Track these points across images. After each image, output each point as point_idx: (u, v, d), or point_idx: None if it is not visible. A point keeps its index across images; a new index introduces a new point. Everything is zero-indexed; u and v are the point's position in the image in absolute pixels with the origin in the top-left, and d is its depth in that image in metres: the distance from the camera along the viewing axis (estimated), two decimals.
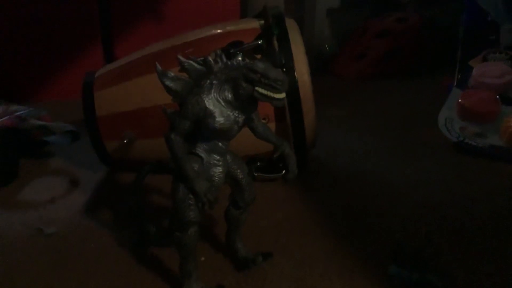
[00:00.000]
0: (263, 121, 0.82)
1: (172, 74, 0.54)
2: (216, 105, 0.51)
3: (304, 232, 0.71)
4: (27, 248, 0.70)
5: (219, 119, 0.51)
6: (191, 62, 0.53)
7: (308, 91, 0.82)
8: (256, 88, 0.50)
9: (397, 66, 1.61)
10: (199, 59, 0.55)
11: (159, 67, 0.55)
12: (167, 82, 0.54)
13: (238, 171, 0.58)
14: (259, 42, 0.82)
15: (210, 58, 0.53)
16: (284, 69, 0.80)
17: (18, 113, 0.97)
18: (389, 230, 0.71)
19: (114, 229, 0.74)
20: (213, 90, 0.51)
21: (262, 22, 0.87)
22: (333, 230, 0.72)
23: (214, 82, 0.52)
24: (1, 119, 0.92)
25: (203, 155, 0.53)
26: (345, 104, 1.37)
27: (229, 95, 0.51)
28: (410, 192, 0.83)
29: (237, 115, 0.52)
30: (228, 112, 0.51)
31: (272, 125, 0.83)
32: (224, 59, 0.53)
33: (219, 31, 0.91)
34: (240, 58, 0.53)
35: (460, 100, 1.04)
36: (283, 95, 0.50)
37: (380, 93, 1.46)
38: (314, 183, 0.88)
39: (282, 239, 0.70)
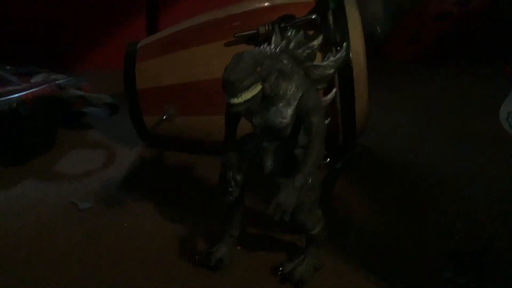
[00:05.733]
0: None
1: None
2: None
3: (350, 226, 0.66)
4: (60, 221, 0.70)
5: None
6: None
7: (362, 73, 0.75)
8: None
9: (455, 51, 1.50)
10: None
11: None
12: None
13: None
14: (313, 17, 0.76)
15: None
16: (338, 48, 0.73)
17: (58, 81, 0.94)
18: (445, 228, 0.64)
19: (148, 207, 0.71)
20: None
21: None
22: (382, 226, 0.66)
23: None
24: (41, 87, 0.89)
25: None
26: (397, 89, 1.28)
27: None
28: (467, 187, 0.76)
29: None
30: None
31: None
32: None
33: (267, 3, 0.85)
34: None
35: None
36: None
37: (434, 79, 1.37)
38: (362, 173, 0.81)
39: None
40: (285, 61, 0.47)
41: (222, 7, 0.89)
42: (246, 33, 0.77)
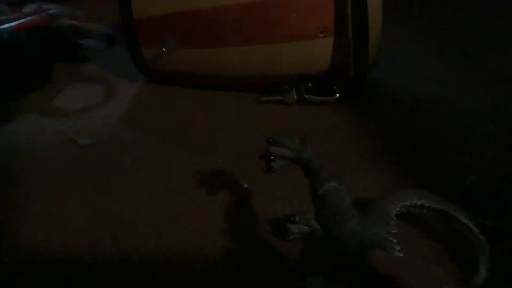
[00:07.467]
0: (320, 34, 0.72)
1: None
2: None
3: (358, 162, 0.64)
4: (60, 157, 0.68)
5: None
6: None
7: (377, 2, 0.70)
8: None
9: None
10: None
11: None
12: None
13: None
14: None
15: None
16: None
17: (51, 11, 0.90)
18: (458, 166, 0.62)
19: (150, 144, 0.69)
20: None
21: None
22: (391, 162, 0.63)
23: None
24: (33, 17, 0.84)
25: None
26: (410, 22, 1.22)
27: None
28: (480, 126, 0.72)
29: None
30: None
31: (331, 39, 0.73)
32: None
33: None
34: None
35: None
36: None
37: (449, 12, 1.30)
38: (372, 108, 0.78)
39: (333, 169, 0.62)
40: None
41: None
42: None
